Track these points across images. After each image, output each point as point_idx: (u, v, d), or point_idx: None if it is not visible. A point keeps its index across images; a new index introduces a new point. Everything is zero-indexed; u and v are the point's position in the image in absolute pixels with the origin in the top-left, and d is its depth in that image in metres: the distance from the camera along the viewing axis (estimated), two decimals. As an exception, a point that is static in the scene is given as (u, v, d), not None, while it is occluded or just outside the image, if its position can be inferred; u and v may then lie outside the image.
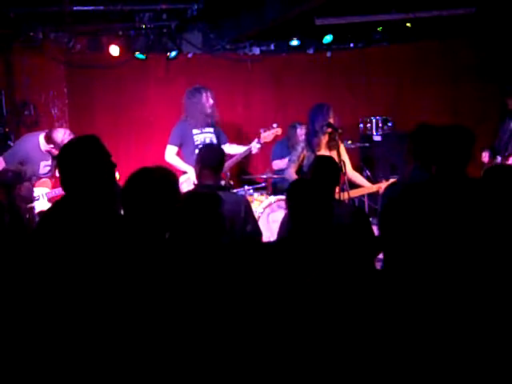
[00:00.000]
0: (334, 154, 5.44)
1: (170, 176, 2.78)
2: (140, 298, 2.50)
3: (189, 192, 3.36)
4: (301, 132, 7.36)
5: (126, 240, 2.70)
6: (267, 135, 6.31)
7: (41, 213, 5.78)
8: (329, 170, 4.35)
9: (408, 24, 7.87)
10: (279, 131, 6.44)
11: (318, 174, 4.32)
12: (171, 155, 6.41)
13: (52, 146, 5.89)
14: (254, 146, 6.29)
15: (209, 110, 6.38)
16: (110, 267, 2.59)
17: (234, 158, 6.35)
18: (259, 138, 6.30)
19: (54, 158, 6.05)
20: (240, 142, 6.99)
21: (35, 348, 2.61)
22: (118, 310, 2.51)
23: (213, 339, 2.49)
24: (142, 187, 2.67)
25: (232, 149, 6.55)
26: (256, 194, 6.76)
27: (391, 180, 5.60)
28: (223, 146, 6.43)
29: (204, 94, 6.36)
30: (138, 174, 2.73)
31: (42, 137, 5.99)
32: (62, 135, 5.86)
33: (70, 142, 3.03)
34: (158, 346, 2.44)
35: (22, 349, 2.62)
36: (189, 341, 2.46)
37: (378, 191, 5.55)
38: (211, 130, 6.43)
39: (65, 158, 2.93)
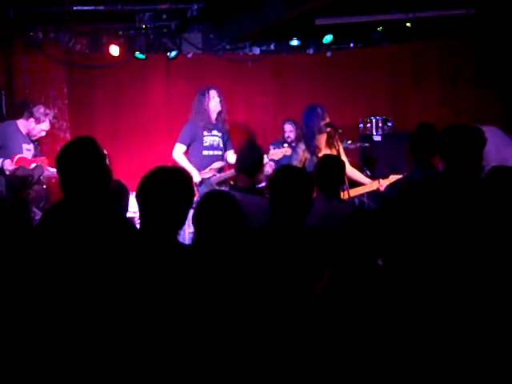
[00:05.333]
0: (333, 151, 5.46)
1: (185, 175, 2.80)
2: (146, 296, 2.51)
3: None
4: (287, 127, 7.44)
5: (130, 239, 2.72)
6: (276, 152, 6.21)
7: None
8: (334, 169, 4.36)
9: (408, 24, 7.86)
10: (289, 151, 6.36)
11: (323, 173, 4.33)
12: (178, 153, 6.35)
13: (32, 119, 6.03)
14: None
15: (213, 108, 6.33)
16: (115, 267, 2.60)
17: (229, 173, 6.15)
18: (267, 153, 6.25)
19: (33, 142, 6.14)
20: (239, 142, 6.98)
21: (33, 348, 2.62)
22: (122, 309, 2.52)
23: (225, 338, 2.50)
24: (159, 186, 2.68)
25: (234, 158, 6.49)
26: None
27: (391, 177, 5.59)
28: (227, 153, 6.44)
29: (208, 94, 6.33)
30: (155, 174, 2.73)
31: (20, 120, 6.13)
32: (43, 108, 6.08)
33: (67, 145, 3.06)
34: (170, 344, 2.45)
35: (20, 348, 2.63)
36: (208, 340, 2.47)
37: (378, 189, 5.52)
38: (220, 134, 6.39)
39: (63, 160, 2.96)
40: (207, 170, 6.18)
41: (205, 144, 6.31)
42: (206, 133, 6.33)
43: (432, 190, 3.40)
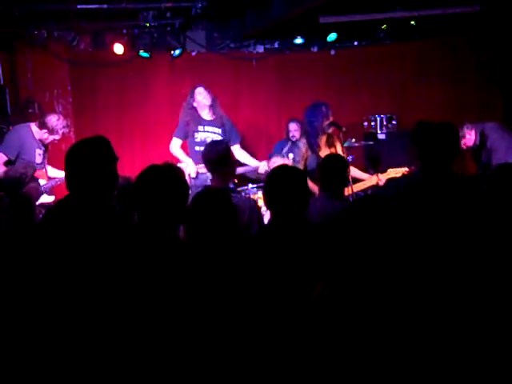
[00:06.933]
0: (332, 150, 5.46)
1: (177, 171, 2.81)
2: (147, 295, 2.51)
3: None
4: (292, 126, 7.42)
5: (133, 238, 2.72)
6: (276, 161, 6.20)
7: (42, 205, 5.79)
8: (337, 169, 4.36)
9: (412, 22, 7.85)
10: (290, 162, 6.34)
11: (326, 173, 4.33)
12: (175, 147, 6.52)
13: (45, 131, 5.95)
14: (263, 167, 6.22)
15: (202, 103, 6.41)
16: (117, 265, 2.60)
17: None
18: (268, 161, 6.22)
19: (45, 146, 6.10)
20: (244, 141, 6.98)
21: (35, 345, 2.63)
22: (124, 307, 2.52)
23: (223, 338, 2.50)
24: (152, 184, 2.69)
25: (241, 155, 6.45)
26: (260, 193, 6.77)
27: (389, 170, 5.60)
28: (233, 147, 6.43)
29: (194, 92, 6.43)
30: (148, 172, 2.74)
31: (33, 125, 6.04)
32: (56, 120, 5.96)
33: (80, 143, 3.04)
34: (168, 343, 2.45)
35: (21, 345, 2.64)
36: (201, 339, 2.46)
37: (377, 183, 5.53)
38: (218, 130, 6.44)
39: (73, 158, 2.95)
40: (202, 165, 6.22)
41: (196, 140, 6.41)
42: (199, 127, 6.42)
43: (411, 190, 3.37)
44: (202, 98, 6.42)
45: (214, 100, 6.48)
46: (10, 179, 4.89)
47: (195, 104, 6.45)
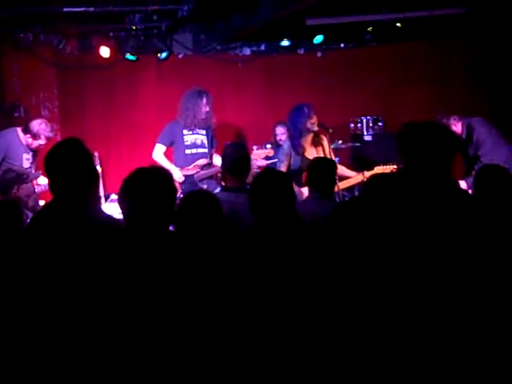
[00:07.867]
0: (319, 150, 5.49)
1: (164, 173, 2.83)
2: (139, 296, 2.51)
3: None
4: (278, 130, 7.43)
5: (122, 240, 2.72)
6: (258, 153, 6.20)
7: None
8: (326, 171, 4.38)
9: (398, 24, 7.88)
10: (271, 152, 6.35)
11: (315, 175, 4.35)
12: (158, 154, 6.45)
13: (29, 135, 5.94)
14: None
15: (203, 116, 6.35)
16: (106, 266, 2.61)
17: (213, 169, 6.27)
18: (251, 153, 6.23)
19: (33, 151, 6.08)
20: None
21: (27, 349, 2.62)
22: (116, 309, 2.52)
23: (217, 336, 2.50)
24: (140, 187, 2.70)
25: (218, 158, 6.38)
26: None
27: (376, 168, 5.64)
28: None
29: (203, 99, 6.33)
30: (135, 175, 2.75)
31: (20, 129, 6.04)
32: (38, 124, 5.94)
33: (54, 147, 3.07)
34: (160, 343, 2.45)
35: (15, 349, 2.63)
36: (193, 338, 2.47)
37: (363, 181, 5.57)
38: (203, 132, 6.43)
39: (50, 162, 2.98)
40: (191, 166, 6.22)
41: (186, 143, 6.36)
42: (186, 132, 6.37)
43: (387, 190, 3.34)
44: (204, 110, 6.33)
45: (211, 109, 6.44)
46: (13, 171, 4.90)
47: (197, 108, 6.34)
